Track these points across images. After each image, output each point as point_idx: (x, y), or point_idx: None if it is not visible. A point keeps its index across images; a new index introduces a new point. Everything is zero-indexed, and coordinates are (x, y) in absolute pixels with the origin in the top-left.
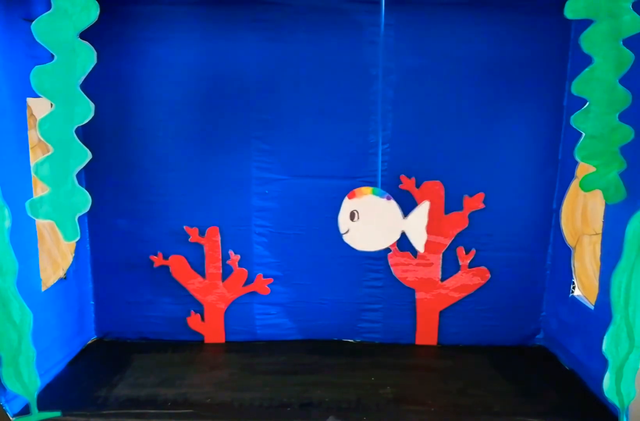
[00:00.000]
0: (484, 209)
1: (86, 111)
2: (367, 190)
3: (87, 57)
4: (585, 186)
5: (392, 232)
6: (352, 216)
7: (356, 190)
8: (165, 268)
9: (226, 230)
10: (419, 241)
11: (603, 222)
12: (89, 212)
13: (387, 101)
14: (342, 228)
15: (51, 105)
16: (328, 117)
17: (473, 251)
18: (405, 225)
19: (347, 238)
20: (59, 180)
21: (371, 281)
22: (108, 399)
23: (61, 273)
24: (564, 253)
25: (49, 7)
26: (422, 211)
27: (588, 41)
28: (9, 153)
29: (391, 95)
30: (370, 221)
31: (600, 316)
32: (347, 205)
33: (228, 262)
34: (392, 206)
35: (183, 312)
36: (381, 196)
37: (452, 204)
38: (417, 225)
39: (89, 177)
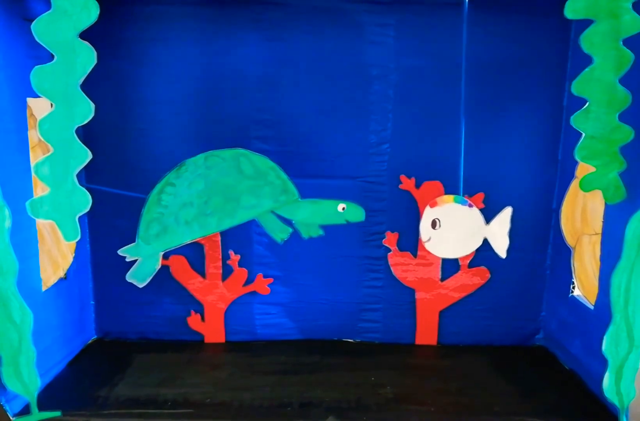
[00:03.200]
0: (484, 209)
1: (86, 111)
2: (448, 198)
3: (87, 57)
4: (585, 186)
5: (474, 238)
6: (433, 224)
7: (437, 199)
8: (165, 268)
9: (226, 230)
10: (501, 247)
11: (603, 222)
12: (89, 212)
13: (387, 101)
14: (424, 236)
15: (51, 105)
16: (328, 117)
17: (473, 251)
18: (488, 232)
19: (428, 246)
20: (59, 180)
21: (371, 281)
22: (108, 399)
23: (61, 273)
24: (564, 253)
25: (49, 7)
26: (504, 217)
27: (588, 41)
28: (9, 153)
29: (391, 95)
30: (452, 228)
31: (600, 316)
32: (429, 213)
33: (228, 261)
34: (474, 213)
35: (183, 311)
36: (463, 204)
37: None
38: (499, 231)
39: (89, 177)
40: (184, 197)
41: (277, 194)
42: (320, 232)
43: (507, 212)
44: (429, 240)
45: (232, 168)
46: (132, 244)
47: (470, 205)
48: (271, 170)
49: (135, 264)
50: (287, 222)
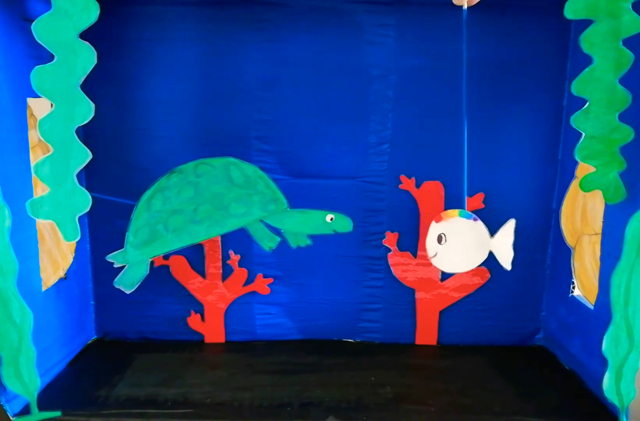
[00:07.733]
0: (484, 209)
1: (86, 111)
2: (453, 212)
3: (87, 58)
4: (585, 186)
5: (479, 252)
6: (439, 239)
7: (442, 213)
8: (165, 268)
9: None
10: (506, 259)
11: (603, 222)
12: (89, 212)
13: (387, 101)
14: (430, 252)
15: (51, 105)
16: (328, 117)
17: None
18: (493, 244)
19: (435, 262)
20: (60, 180)
21: (371, 281)
22: (108, 399)
23: (61, 273)
24: (564, 253)
25: (49, 7)
26: (508, 229)
27: (588, 41)
28: (9, 153)
29: (391, 96)
30: (458, 243)
31: (600, 316)
32: (435, 228)
33: (228, 261)
34: (480, 227)
35: (183, 311)
36: (468, 218)
37: (452, 204)
38: (504, 244)
39: (89, 177)
40: (173, 205)
41: (266, 203)
42: (308, 242)
43: (510, 224)
44: (435, 255)
45: (222, 177)
46: (120, 250)
47: (475, 219)
48: (261, 179)
49: (122, 270)
50: (276, 231)
